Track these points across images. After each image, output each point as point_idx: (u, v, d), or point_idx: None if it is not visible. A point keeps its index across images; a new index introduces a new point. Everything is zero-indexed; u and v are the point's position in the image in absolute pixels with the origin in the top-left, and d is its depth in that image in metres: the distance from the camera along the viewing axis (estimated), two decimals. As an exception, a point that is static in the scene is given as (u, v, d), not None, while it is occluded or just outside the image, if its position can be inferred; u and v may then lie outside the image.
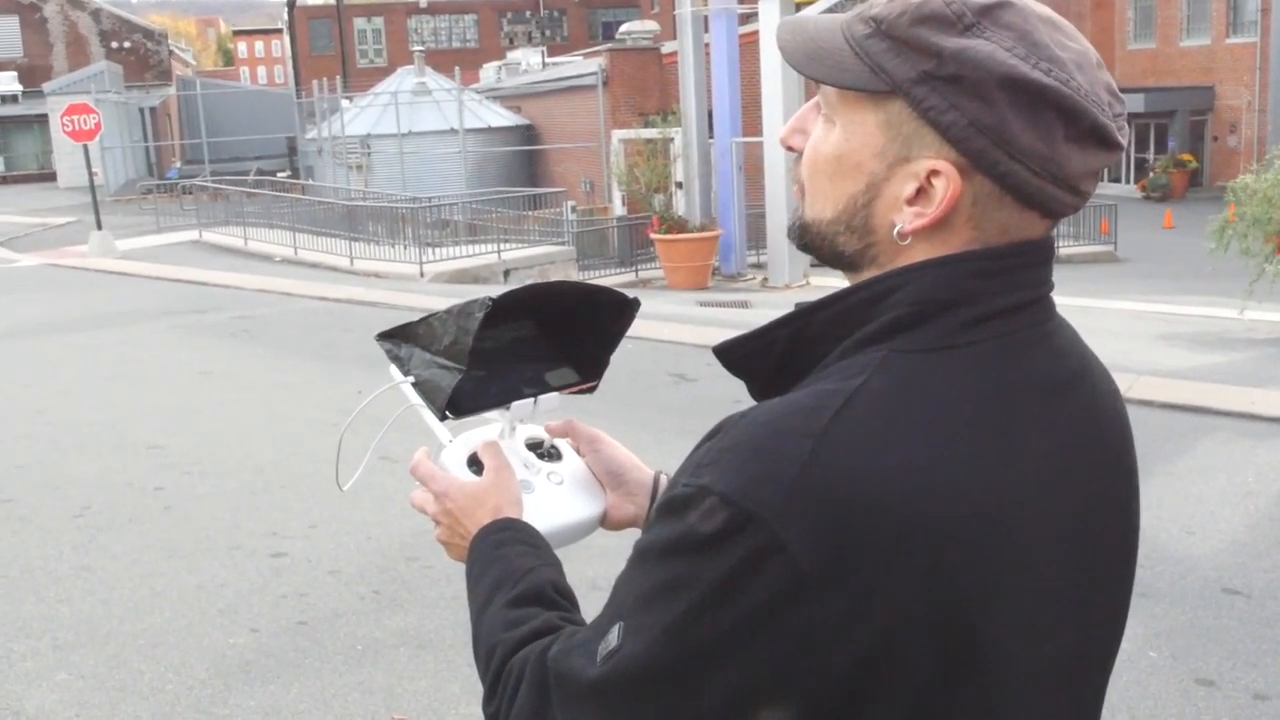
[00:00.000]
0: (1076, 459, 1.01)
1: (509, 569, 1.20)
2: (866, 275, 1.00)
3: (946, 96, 0.93)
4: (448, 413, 1.32)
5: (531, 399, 1.38)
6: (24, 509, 6.36)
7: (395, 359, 1.36)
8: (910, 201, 0.96)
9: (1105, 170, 1.01)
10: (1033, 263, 1.00)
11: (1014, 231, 0.97)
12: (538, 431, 1.41)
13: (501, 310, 1.29)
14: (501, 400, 1.36)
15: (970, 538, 0.91)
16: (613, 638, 0.98)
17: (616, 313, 1.39)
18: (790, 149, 1.06)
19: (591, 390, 1.44)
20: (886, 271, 0.98)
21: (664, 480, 1.39)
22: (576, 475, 1.41)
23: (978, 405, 0.94)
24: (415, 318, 1.35)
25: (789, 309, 1.04)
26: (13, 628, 4.85)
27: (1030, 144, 0.92)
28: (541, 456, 1.41)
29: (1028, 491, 0.95)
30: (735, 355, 1.05)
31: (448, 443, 1.35)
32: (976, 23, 0.93)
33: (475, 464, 1.35)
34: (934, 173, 0.94)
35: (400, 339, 1.36)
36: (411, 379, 1.33)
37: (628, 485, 1.40)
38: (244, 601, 5.04)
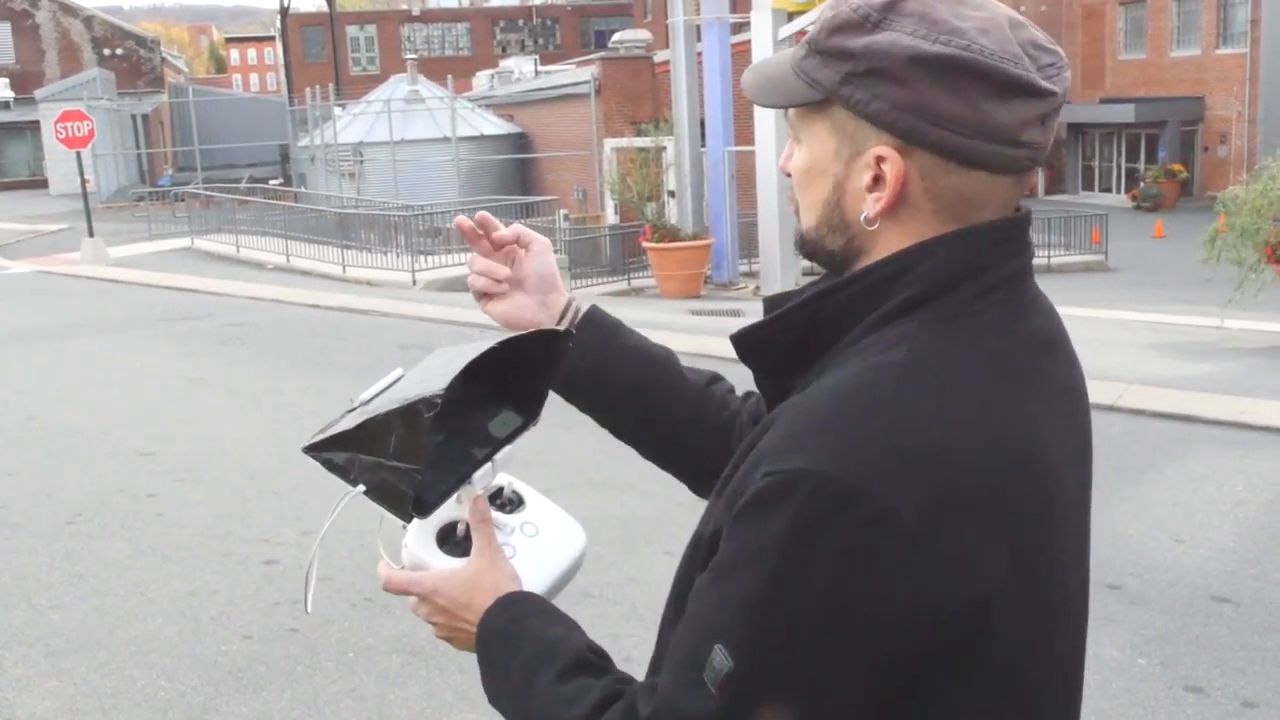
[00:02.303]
0: (1073, 405, 1.12)
1: (540, 644, 1.18)
2: (860, 265, 1.08)
3: (867, 89, 1.03)
4: (414, 513, 1.24)
5: (490, 463, 1.32)
6: (16, 515, 6.36)
7: (334, 469, 1.27)
8: (870, 189, 1.05)
9: (1047, 127, 1.05)
10: (1022, 230, 1.09)
11: (971, 193, 1.04)
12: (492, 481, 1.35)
13: (451, 400, 1.19)
14: (461, 480, 1.29)
15: (1029, 481, 1.01)
16: (719, 661, 0.97)
17: (546, 345, 1.35)
18: (788, 174, 1.15)
19: (533, 426, 1.39)
20: (899, 251, 1.05)
21: (574, 308, 1.46)
22: (547, 515, 1.36)
23: (1009, 363, 1.04)
24: (343, 425, 1.26)
25: (790, 301, 1.11)
26: (4, 634, 4.85)
27: (951, 110, 1.00)
28: (503, 507, 1.36)
29: (1054, 436, 1.06)
30: (752, 340, 1.12)
31: (406, 526, 1.28)
32: (882, 19, 1.03)
33: (445, 540, 1.29)
34: (880, 158, 1.03)
35: (335, 448, 1.26)
36: (362, 488, 1.24)
37: (549, 299, 1.46)
38: (236, 608, 5.04)
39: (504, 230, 1.44)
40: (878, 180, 1.04)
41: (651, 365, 1.46)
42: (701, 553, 1.08)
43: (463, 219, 1.43)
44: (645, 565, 5.17)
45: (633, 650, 4.45)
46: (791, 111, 1.11)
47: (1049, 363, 1.09)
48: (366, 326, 12.90)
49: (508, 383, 1.36)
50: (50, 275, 19.01)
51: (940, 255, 1.04)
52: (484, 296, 1.45)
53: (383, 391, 1.30)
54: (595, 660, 1.16)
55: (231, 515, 6.26)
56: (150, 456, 7.50)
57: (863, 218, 1.06)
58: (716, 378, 1.51)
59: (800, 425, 0.99)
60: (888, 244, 1.06)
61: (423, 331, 12.19)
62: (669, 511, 5.54)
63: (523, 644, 1.18)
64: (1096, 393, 8.27)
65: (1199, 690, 4.17)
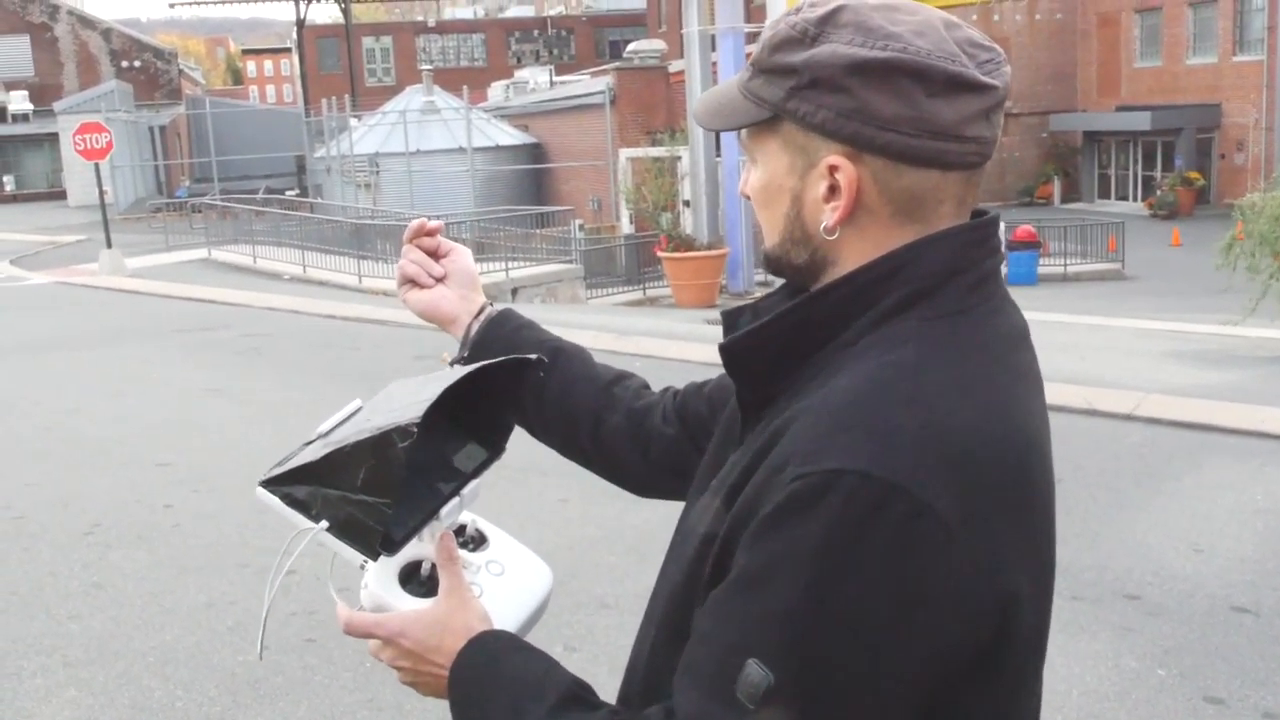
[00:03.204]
0: (1044, 396, 1.14)
1: (524, 681, 1.14)
2: (826, 277, 1.10)
3: (811, 100, 1.05)
4: (381, 550, 1.19)
5: (457, 498, 1.27)
6: (34, 526, 6.39)
7: (294, 504, 1.20)
8: (826, 199, 1.07)
9: (991, 118, 1.07)
10: (995, 231, 1.12)
11: (925, 193, 1.06)
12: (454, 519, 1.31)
13: (421, 428, 1.14)
14: (428, 516, 1.23)
15: (1037, 470, 1.05)
16: (756, 676, 0.94)
17: (517, 375, 1.33)
18: (747, 197, 1.17)
19: (498, 459, 1.34)
20: (886, 254, 1.06)
21: (488, 308, 1.50)
22: (512, 554, 1.31)
23: (1002, 357, 1.07)
24: (305, 457, 1.22)
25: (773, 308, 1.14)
26: (23, 644, 4.87)
27: (895, 112, 1.02)
28: (466, 545, 1.30)
29: (1043, 426, 1.10)
30: (742, 347, 1.13)
31: (365, 566, 1.22)
32: (820, 32, 1.05)
33: (408, 580, 1.23)
34: (833, 167, 1.05)
35: (295, 482, 1.21)
36: (324, 524, 1.19)
37: (470, 295, 1.51)
38: (253, 618, 5.05)
39: (439, 239, 1.52)
40: (833, 190, 1.06)
41: (559, 356, 1.49)
42: (711, 558, 1.04)
43: (424, 221, 1.50)
44: (661, 575, 5.15)
45: (649, 660, 4.45)
46: (744, 134, 1.13)
47: (1027, 355, 1.12)
48: (382, 337, 12.92)
49: (471, 415, 1.31)
50: (68, 286, 19.11)
51: (928, 255, 1.06)
52: (409, 285, 1.51)
53: (342, 424, 1.26)
54: (584, 694, 1.13)
55: (248, 526, 6.27)
56: (167, 467, 7.52)
57: (822, 228, 1.08)
58: (630, 374, 1.54)
59: (825, 426, 0.98)
60: (851, 251, 1.08)
61: (438, 342, 12.15)
62: (685, 521, 5.46)
63: (503, 683, 1.14)
64: (1114, 402, 8.25)
65: (1219, 701, 4.14)
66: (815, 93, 1.04)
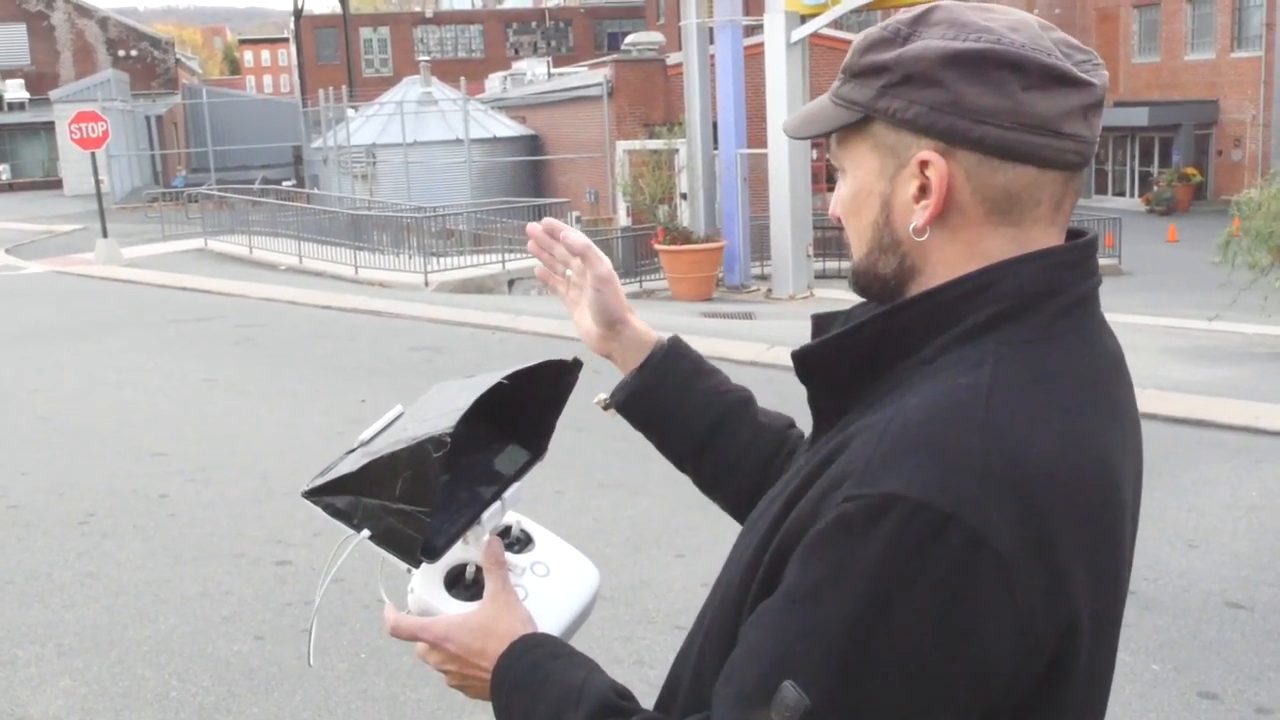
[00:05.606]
0: (1134, 428, 1.10)
1: (561, 688, 1.13)
2: (914, 288, 1.06)
3: (903, 96, 1.02)
4: (423, 558, 1.20)
5: (499, 501, 1.28)
6: (29, 515, 6.38)
7: (336, 514, 1.23)
8: (916, 200, 1.03)
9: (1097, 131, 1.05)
10: (1092, 253, 1.07)
11: (1020, 191, 1.02)
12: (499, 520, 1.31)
13: (455, 438, 1.15)
14: (470, 521, 1.24)
15: (1109, 505, 1.01)
16: (793, 698, 0.92)
17: (556, 377, 1.32)
18: (837, 219, 1.13)
19: (540, 461, 1.36)
20: (978, 269, 1.02)
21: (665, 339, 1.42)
22: (558, 554, 1.32)
23: (1086, 386, 1.02)
24: (345, 468, 1.23)
25: (845, 316, 1.13)
26: (17, 633, 4.86)
27: (990, 104, 0.99)
28: (512, 546, 1.30)
29: (1125, 460, 1.05)
30: (819, 356, 1.09)
31: (411, 570, 1.24)
32: (912, 32, 1.04)
33: (454, 584, 1.25)
34: (924, 163, 1.02)
35: (336, 492, 1.23)
36: (366, 533, 1.21)
37: (616, 329, 1.42)
38: (248, 609, 5.05)
39: (573, 236, 1.42)
40: (924, 190, 1.02)
41: (750, 407, 1.43)
42: (763, 566, 1.03)
43: (533, 225, 1.42)
44: (657, 568, 5.15)
45: (645, 653, 4.45)
46: (834, 146, 1.10)
47: (1117, 386, 1.07)
48: (378, 328, 12.91)
49: (512, 418, 1.31)
50: (64, 276, 19.07)
51: (1019, 275, 1.02)
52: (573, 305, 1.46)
53: (382, 431, 1.26)
54: (621, 702, 1.11)
55: (243, 516, 6.27)
56: (162, 457, 7.51)
57: (911, 228, 1.04)
58: (791, 423, 1.44)
59: (886, 446, 0.95)
60: (940, 256, 1.04)
61: (435, 333, 12.19)
62: (681, 514, 5.53)
63: (543, 690, 1.14)
64: (1110, 397, 8.26)
65: (1213, 696, 4.15)
66: (907, 88, 1.01)
